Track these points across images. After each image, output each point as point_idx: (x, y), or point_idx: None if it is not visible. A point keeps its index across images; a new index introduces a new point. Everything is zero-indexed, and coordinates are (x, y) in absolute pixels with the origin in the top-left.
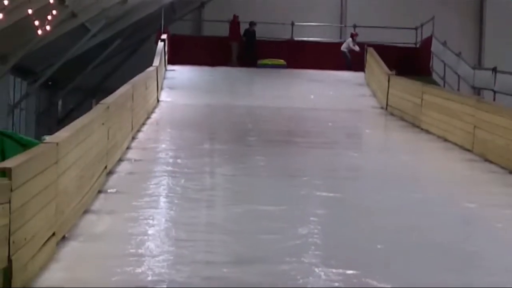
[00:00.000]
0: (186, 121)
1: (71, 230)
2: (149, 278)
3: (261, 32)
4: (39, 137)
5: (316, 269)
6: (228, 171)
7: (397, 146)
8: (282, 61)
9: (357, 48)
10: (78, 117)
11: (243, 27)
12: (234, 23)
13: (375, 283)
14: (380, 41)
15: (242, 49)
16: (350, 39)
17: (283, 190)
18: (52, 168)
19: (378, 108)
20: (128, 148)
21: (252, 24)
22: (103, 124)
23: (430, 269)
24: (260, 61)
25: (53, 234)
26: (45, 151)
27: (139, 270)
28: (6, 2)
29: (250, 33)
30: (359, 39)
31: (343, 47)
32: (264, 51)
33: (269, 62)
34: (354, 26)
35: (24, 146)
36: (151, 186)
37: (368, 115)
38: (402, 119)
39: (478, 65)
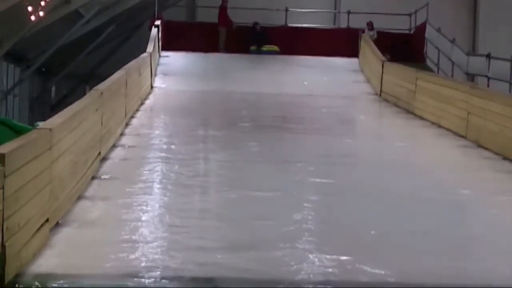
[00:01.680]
0: (180, 107)
1: (65, 216)
2: (143, 264)
3: (254, 18)
4: (32, 124)
5: (310, 255)
6: (222, 157)
7: (391, 132)
8: (276, 47)
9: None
10: (71, 103)
11: (231, 12)
12: (222, 8)
13: (368, 269)
14: (374, 27)
15: (230, 35)
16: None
17: (277, 176)
18: (45, 154)
19: (372, 94)
20: (121, 134)
21: (255, 24)
22: (96, 110)
23: (424, 255)
24: (253, 47)
25: (47, 220)
26: (38, 137)
27: (132, 256)
28: None
29: (258, 32)
30: (353, 25)
31: None
32: (254, 38)
33: (264, 48)
34: (348, 12)
35: (18, 132)
36: (145, 172)
37: (362, 102)
38: (396, 105)
39: (472, 51)
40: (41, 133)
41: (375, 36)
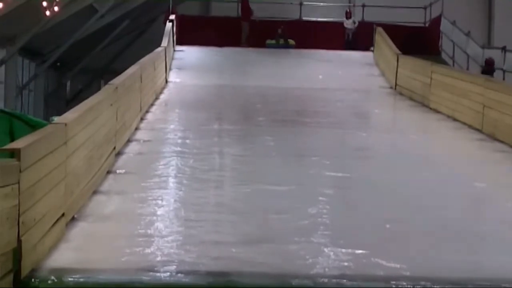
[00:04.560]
0: (195, 102)
1: (80, 211)
2: (158, 258)
3: (269, 12)
4: (47, 118)
5: (325, 249)
6: (236, 151)
7: (406, 126)
8: (291, 41)
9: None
10: (86, 98)
11: (253, 6)
12: (244, 1)
13: (384, 263)
14: (389, 21)
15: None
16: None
17: (292, 170)
18: (61, 149)
19: (387, 87)
20: (136, 129)
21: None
22: (111, 105)
23: (439, 249)
24: (269, 41)
25: (63, 214)
26: (54, 132)
27: (148, 250)
28: None
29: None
30: (368, 18)
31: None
32: (273, 32)
33: (280, 42)
34: (363, 6)
35: (33, 127)
36: (160, 166)
37: (377, 95)
38: (411, 98)
39: (487, 44)
40: (56, 128)
41: (356, 24)
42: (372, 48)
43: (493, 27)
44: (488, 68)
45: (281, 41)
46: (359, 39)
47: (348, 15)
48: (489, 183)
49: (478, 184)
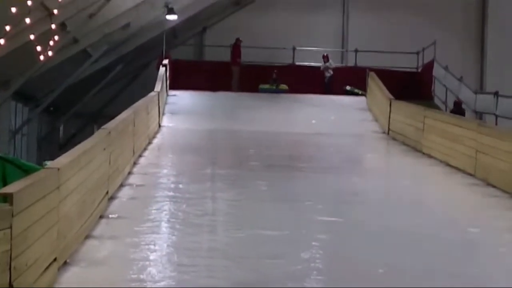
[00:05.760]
0: (188, 146)
1: (72, 256)
2: None
3: (262, 57)
4: (40, 163)
5: None
6: (230, 196)
7: (399, 171)
8: (284, 86)
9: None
10: (79, 142)
11: (244, 51)
12: (236, 46)
13: None
14: (382, 66)
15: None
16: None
17: (285, 214)
18: (53, 193)
19: (380, 132)
20: (129, 173)
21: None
22: (104, 149)
23: None
24: (261, 86)
25: (55, 259)
26: (46, 176)
27: None
28: (8, 28)
29: (273, 78)
30: (361, 63)
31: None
32: (265, 76)
33: (272, 87)
34: (356, 51)
35: (26, 171)
36: (152, 211)
37: (370, 140)
38: (404, 143)
39: (480, 89)
40: (49, 173)
41: (333, 65)
42: (348, 88)
43: (486, 72)
44: (456, 109)
45: (274, 85)
46: (336, 82)
47: (325, 59)
48: (482, 228)
49: (471, 229)
